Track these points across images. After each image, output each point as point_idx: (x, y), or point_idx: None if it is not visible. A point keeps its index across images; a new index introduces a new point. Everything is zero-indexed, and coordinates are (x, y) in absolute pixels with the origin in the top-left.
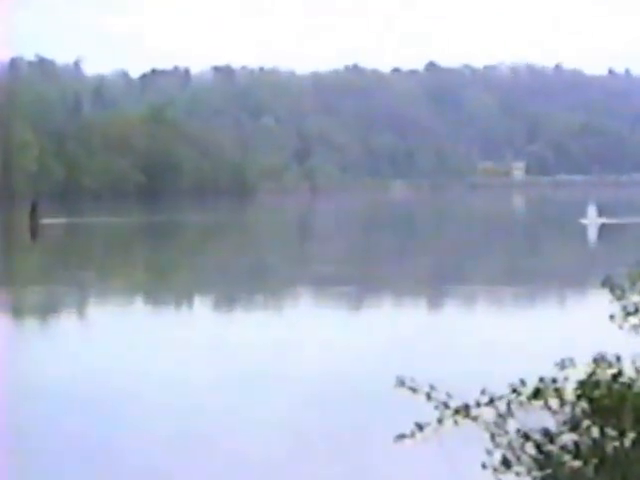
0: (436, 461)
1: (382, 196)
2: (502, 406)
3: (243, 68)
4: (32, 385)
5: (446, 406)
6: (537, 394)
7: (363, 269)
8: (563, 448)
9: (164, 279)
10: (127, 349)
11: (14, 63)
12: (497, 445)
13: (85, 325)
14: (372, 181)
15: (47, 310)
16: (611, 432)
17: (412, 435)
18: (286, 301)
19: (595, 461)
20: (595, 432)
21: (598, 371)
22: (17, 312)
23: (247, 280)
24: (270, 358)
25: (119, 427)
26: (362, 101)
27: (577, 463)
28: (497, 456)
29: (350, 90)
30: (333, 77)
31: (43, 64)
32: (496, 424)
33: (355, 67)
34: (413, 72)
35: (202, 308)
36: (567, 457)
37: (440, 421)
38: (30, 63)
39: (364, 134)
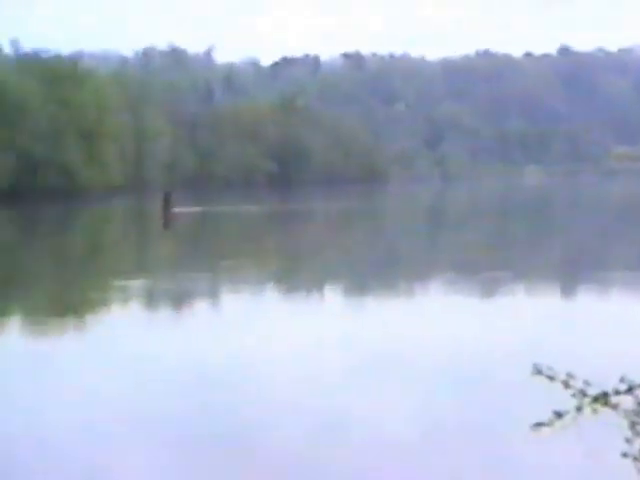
0: (574, 450)
1: (515, 182)
2: None
3: (373, 55)
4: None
5: (584, 394)
6: None
7: (498, 255)
8: None
9: (296, 267)
10: (260, 337)
11: (147, 53)
12: (637, 434)
13: (219, 312)
14: (504, 167)
15: (180, 298)
16: None
17: (550, 423)
18: (420, 288)
19: None
20: None
21: None
22: (151, 300)
23: (380, 267)
24: (402, 346)
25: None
26: (493, 86)
27: None
28: (637, 445)
29: (481, 75)
30: (464, 62)
31: (175, 53)
32: (636, 412)
33: (486, 52)
34: (546, 56)
35: (333, 296)
36: None
37: (579, 409)
38: (162, 53)
39: (496, 119)
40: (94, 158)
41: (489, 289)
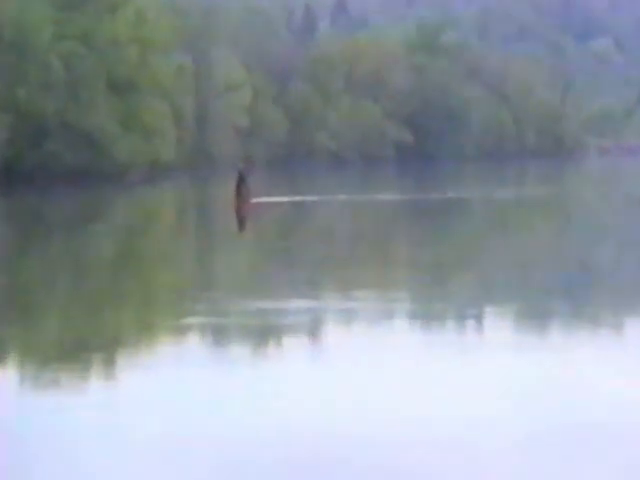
0: None
1: None
2: None
3: None
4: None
5: None
6: None
7: None
8: None
9: (438, 281)
10: (398, 380)
11: None
12: None
13: (322, 348)
14: None
15: (264, 336)
16: None
17: None
18: (626, 316)
19: None
20: None
21: None
22: (231, 339)
23: (568, 284)
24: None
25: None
26: None
27: None
28: None
29: None
30: None
31: None
32: None
33: None
34: None
35: (497, 326)
36: None
37: None
38: None
39: None
40: (133, 121)
41: None
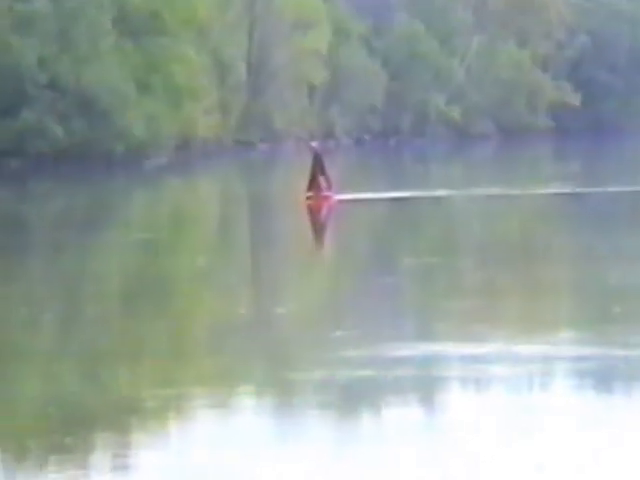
0: None
1: None
2: None
3: None
4: None
5: None
6: None
7: None
8: None
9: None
10: None
11: None
12: None
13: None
14: None
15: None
16: None
17: None
18: None
19: None
20: None
21: None
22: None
23: None
24: None
25: None
26: None
27: None
28: None
29: None
30: None
31: None
32: None
33: None
34: None
35: None
36: None
37: None
38: None
39: None
40: (155, 77)
41: None
